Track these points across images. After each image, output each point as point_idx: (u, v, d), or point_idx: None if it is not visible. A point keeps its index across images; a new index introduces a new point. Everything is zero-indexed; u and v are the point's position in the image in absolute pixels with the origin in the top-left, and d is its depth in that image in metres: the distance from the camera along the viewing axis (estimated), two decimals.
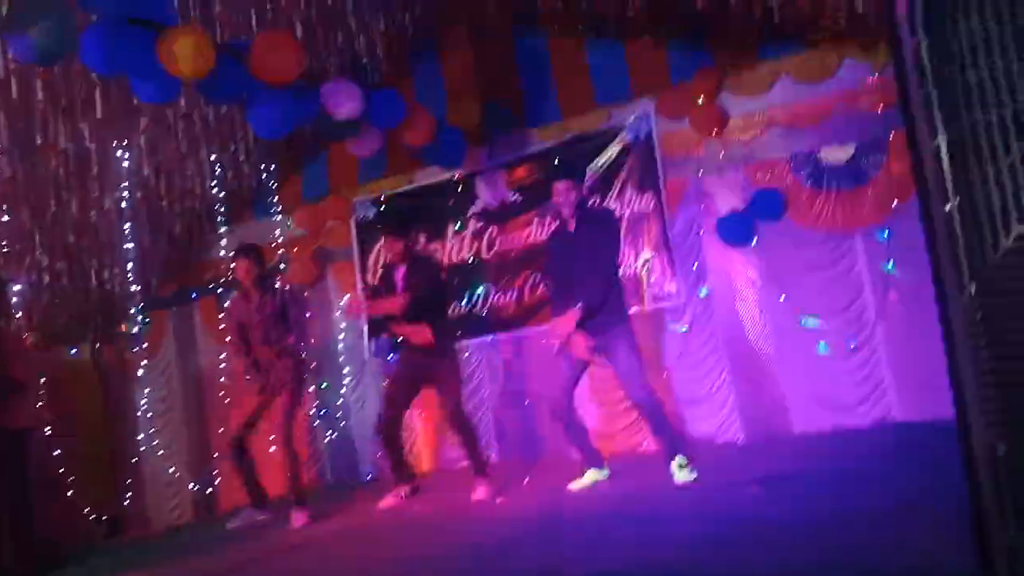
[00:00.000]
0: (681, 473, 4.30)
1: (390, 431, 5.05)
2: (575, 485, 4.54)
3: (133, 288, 6.97)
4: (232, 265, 5.42)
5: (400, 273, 5.02)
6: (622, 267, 5.71)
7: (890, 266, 5.22)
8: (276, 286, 5.53)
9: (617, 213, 5.80)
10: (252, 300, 5.23)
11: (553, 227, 5.23)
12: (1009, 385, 1.48)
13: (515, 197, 6.33)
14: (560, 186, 4.56)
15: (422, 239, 6.56)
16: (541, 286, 6.07)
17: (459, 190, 6.53)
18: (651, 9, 5.39)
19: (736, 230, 5.60)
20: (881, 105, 5.16)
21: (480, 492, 4.78)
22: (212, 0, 5.25)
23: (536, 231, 6.19)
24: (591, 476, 4.57)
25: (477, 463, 4.95)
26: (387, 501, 5.03)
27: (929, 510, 2.89)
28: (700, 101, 5.65)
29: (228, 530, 5.35)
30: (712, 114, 5.66)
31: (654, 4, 5.30)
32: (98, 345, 7.61)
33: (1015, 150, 1.38)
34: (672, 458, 4.36)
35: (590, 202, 5.67)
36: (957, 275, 1.57)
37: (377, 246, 6.79)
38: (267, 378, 5.19)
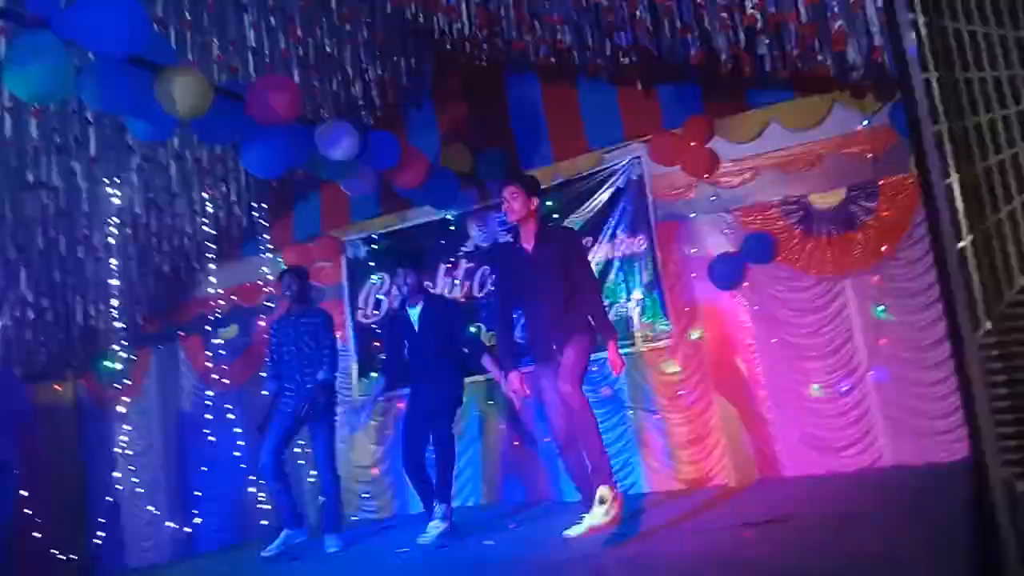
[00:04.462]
0: (599, 509, 3.96)
1: (413, 471, 5.05)
2: (571, 531, 4.22)
3: (117, 324, 6.88)
4: (280, 283, 5.53)
5: (416, 314, 5.15)
6: (613, 308, 5.75)
7: (880, 311, 5.26)
8: (317, 308, 5.62)
9: (609, 255, 5.83)
10: (290, 319, 5.41)
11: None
12: None
13: (507, 238, 6.35)
14: (505, 192, 4.28)
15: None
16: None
17: (451, 230, 6.55)
18: (642, 61, 5.49)
19: (727, 273, 5.63)
20: (871, 151, 5.25)
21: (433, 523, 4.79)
22: (210, 42, 5.29)
23: None
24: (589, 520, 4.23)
25: (442, 488, 4.93)
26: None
27: (923, 555, 2.88)
28: (691, 145, 5.73)
29: (264, 557, 5.20)
30: (703, 159, 5.73)
31: (645, 55, 5.40)
32: (80, 382, 7.49)
33: None
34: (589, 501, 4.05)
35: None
36: (971, 313, 1.59)
37: (368, 283, 6.79)
38: (299, 401, 5.23)
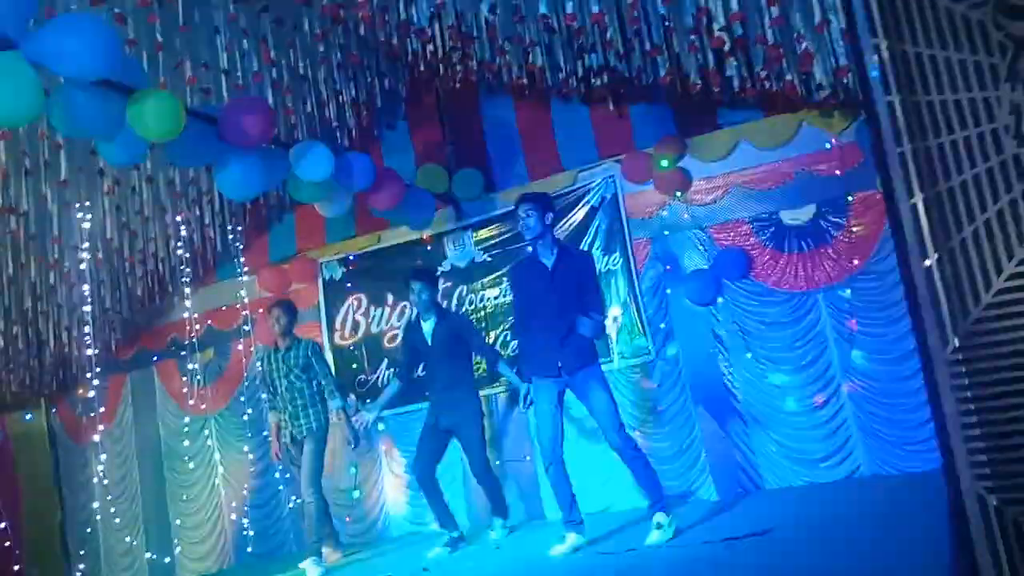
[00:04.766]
0: (655, 534, 4.20)
1: (426, 483, 5.24)
2: (555, 550, 4.35)
3: (91, 351, 6.79)
4: (269, 316, 5.71)
5: (429, 327, 5.31)
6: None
7: (854, 325, 5.34)
8: (303, 339, 5.79)
9: None
10: (279, 352, 5.58)
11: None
12: (996, 436, 1.52)
13: (483, 257, 6.38)
14: (519, 210, 4.43)
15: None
16: (512, 344, 6.09)
17: (427, 250, 6.56)
18: (613, 82, 5.56)
19: (702, 289, 5.68)
20: (839, 168, 5.35)
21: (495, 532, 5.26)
22: (183, 64, 5.28)
23: (506, 291, 6.22)
24: (571, 540, 4.37)
25: (500, 507, 5.35)
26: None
27: (903, 565, 2.91)
28: (663, 164, 5.79)
29: None
30: (675, 177, 5.80)
31: (616, 77, 5.47)
32: (53, 410, 7.38)
33: (991, 207, 1.45)
34: (653, 511, 4.27)
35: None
36: (939, 331, 1.63)
37: (345, 305, 6.78)
38: (296, 427, 5.47)
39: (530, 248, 4.68)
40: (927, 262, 1.60)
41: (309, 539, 5.43)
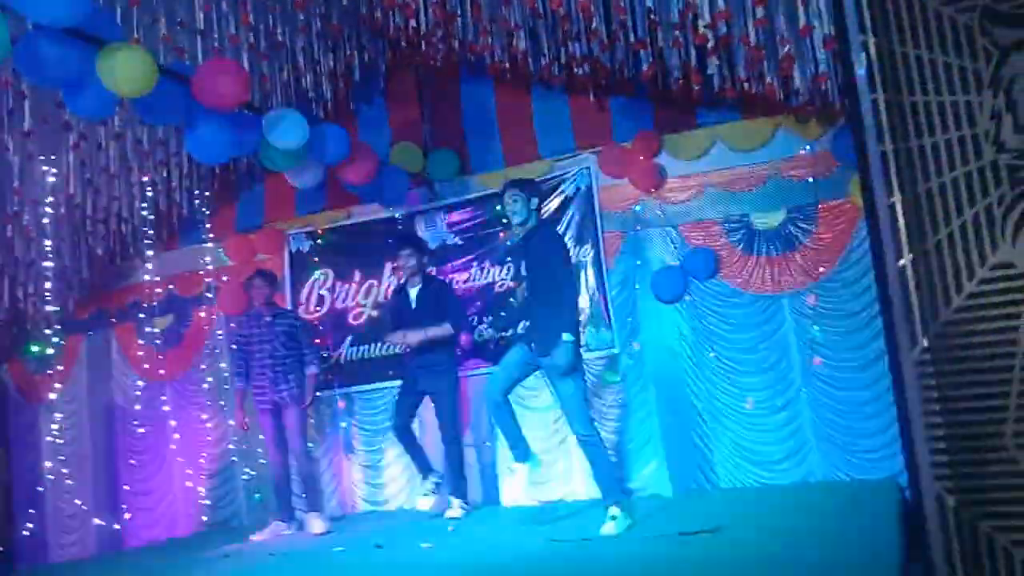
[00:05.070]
0: (609, 525, 4.22)
1: (404, 436, 5.45)
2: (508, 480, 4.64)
3: (48, 308, 6.62)
4: (247, 285, 5.84)
5: (415, 293, 5.48)
6: None
7: (815, 331, 5.39)
8: (287, 309, 6.01)
9: None
10: (262, 320, 5.67)
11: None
12: (959, 438, 1.53)
13: (455, 240, 6.33)
14: (506, 196, 4.54)
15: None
16: (479, 328, 6.08)
17: (398, 228, 6.49)
18: (595, 72, 5.54)
19: (669, 286, 5.70)
20: (811, 175, 5.40)
21: (452, 510, 5.24)
22: (158, 20, 5.16)
23: (476, 275, 6.19)
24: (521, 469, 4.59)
25: (455, 483, 5.34)
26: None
27: (855, 565, 2.95)
28: (640, 159, 5.79)
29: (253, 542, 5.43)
30: (650, 173, 5.81)
31: (598, 67, 5.45)
32: (4, 367, 7.20)
33: (968, 211, 1.46)
34: (608, 503, 4.29)
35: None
36: (909, 331, 1.63)
37: (311, 278, 6.69)
38: (272, 394, 5.56)
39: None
40: (901, 262, 1.61)
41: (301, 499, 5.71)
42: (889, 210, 1.62)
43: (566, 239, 5.92)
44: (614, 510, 4.24)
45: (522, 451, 4.54)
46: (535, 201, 4.55)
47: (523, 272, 4.79)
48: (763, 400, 5.47)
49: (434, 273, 6.05)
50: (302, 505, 5.74)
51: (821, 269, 5.41)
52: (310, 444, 6.13)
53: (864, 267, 5.19)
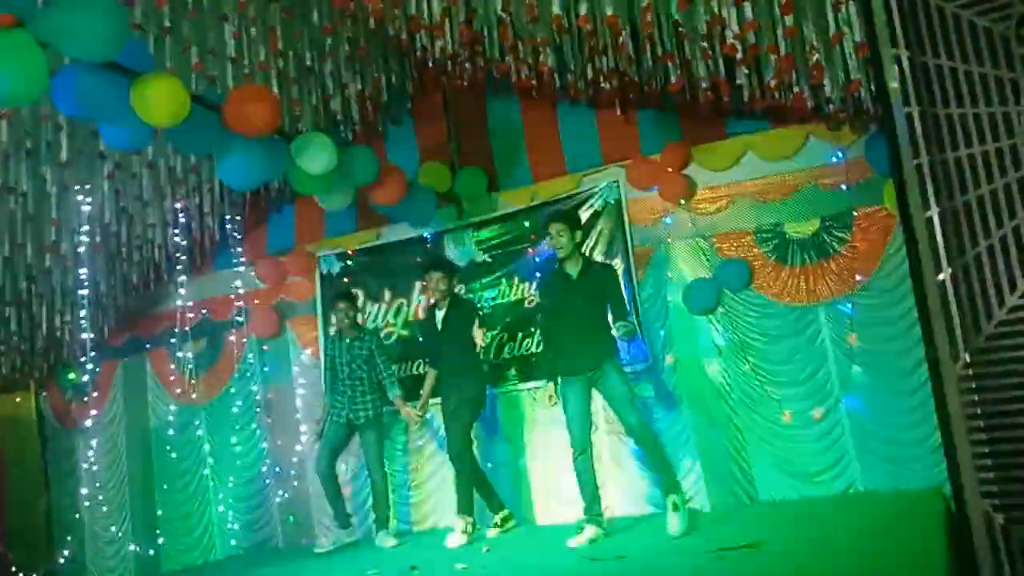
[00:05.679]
0: (674, 518, 4.35)
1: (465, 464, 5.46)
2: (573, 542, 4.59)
3: (83, 336, 6.73)
4: (333, 308, 6.12)
5: (441, 315, 5.58)
6: None
7: (853, 339, 5.30)
8: (367, 331, 6.19)
9: None
10: (344, 341, 5.91)
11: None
12: (1005, 455, 1.49)
13: (483, 257, 6.34)
14: (552, 229, 4.78)
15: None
16: (508, 345, 6.10)
17: (427, 248, 6.51)
18: (622, 86, 5.53)
19: (702, 298, 5.66)
20: (845, 183, 5.33)
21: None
22: (189, 50, 5.24)
23: (504, 291, 6.20)
24: (589, 532, 4.62)
25: (465, 502, 5.36)
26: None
27: None
28: (668, 171, 5.76)
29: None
30: (680, 185, 5.77)
31: (625, 81, 5.44)
32: (43, 394, 7.32)
33: (1008, 223, 1.42)
34: (668, 494, 4.49)
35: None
36: (950, 347, 1.59)
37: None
38: (353, 412, 5.80)
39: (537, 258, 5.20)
40: (940, 276, 1.57)
41: (380, 514, 5.84)
42: (926, 223, 1.59)
43: (595, 254, 5.91)
44: (674, 498, 4.45)
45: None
46: (579, 234, 4.83)
47: (568, 303, 4.86)
48: (800, 411, 5.38)
49: (462, 292, 6.07)
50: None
51: (858, 277, 5.32)
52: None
53: (902, 274, 5.09)
